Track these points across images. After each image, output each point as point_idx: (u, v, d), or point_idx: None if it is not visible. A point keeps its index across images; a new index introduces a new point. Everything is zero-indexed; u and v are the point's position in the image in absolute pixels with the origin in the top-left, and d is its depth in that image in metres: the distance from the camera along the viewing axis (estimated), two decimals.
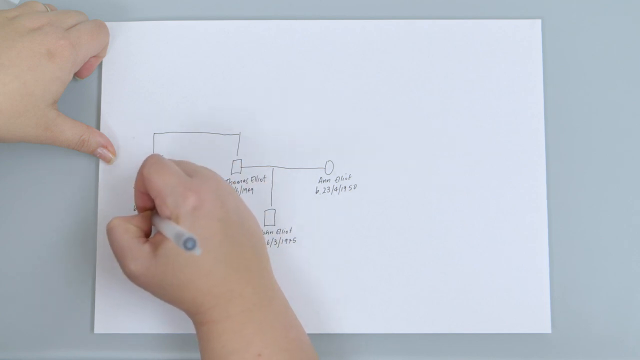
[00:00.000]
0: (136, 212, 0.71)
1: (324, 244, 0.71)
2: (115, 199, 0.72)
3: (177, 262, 0.62)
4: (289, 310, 0.66)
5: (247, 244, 0.64)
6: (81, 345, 0.71)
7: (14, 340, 0.71)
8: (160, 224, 0.63)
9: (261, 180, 0.72)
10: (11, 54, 0.65)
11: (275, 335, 0.63)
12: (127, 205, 0.72)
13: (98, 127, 0.72)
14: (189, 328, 0.68)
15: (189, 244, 0.56)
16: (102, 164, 0.72)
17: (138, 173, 0.65)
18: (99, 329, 0.71)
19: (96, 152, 0.71)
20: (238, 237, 0.63)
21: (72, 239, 0.72)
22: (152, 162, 0.65)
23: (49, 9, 0.71)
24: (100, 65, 0.73)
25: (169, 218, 0.62)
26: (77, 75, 0.72)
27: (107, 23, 0.72)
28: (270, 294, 0.65)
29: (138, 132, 0.72)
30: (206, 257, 0.62)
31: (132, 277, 0.64)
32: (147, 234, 0.66)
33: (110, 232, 0.64)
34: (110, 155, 0.72)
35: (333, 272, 0.71)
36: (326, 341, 0.68)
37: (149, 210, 0.67)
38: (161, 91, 0.73)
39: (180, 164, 0.66)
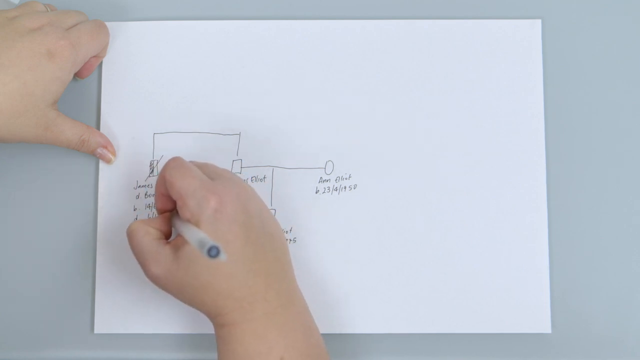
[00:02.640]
0: (137, 213, 0.71)
1: (324, 244, 0.71)
2: (115, 199, 0.72)
3: (198, 264, 0.62)
4: (309, 315, 0.66)
5: (268, 248, 0.64)
6: (81, 345, 0.71)
7: (14, 340, 0.71)
8: (181, 227, 0.63)
9: (261, 180, 0.72)
10: (11, 54, 0.65)
11: (297, 339, 0.63)
12: (127, 205, 0.72)
13: (98, 127, 0.72)
14: (189, 328, 0.68)
15: (212, 252, 0.56)
16: (102, 164, 0.72)
17: (159, 175, 0.65)
18: (99, 329, 0.71)
19: (96, 152, 0.71)
20: (259, 241, 0.63)
21: (72, 239, 0.72)
22: (174, 165, 0.64)
23: (49, 9, 0.71)
24: (100, 65, 0.73)
25: (190, 220, 0.62)
26: (77, 75, 0.72)
27: (107, 23, 0.72)
28: (292, 297, 0.65)
29: (138, 132, 0.72)
30: (227, 260, 0.62)
31: (155, 280, 0.64)
32: (167, 236, 0.66)
33: (130, 235, 0.64)
34: (110, 155, 0.72)
35: (333, 272, 0.71)
36: (326, 341, 0.68)
37: (168, 212, 0.67)
38: (161, 91, 0.73)
39: (202, 166, 0.66)
